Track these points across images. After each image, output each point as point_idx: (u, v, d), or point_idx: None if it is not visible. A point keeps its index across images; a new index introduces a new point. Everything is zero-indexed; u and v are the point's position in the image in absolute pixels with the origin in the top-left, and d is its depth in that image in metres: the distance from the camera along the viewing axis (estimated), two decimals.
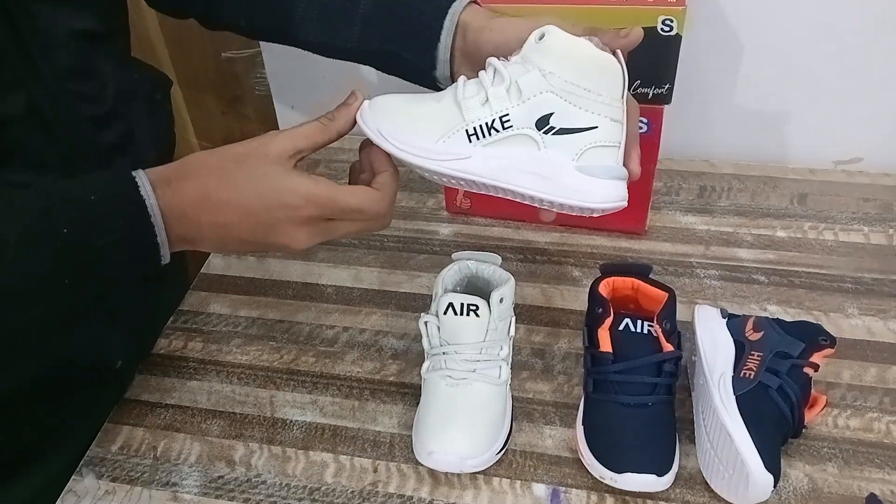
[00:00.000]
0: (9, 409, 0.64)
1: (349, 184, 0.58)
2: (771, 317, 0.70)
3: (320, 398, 0.74)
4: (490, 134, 0.53)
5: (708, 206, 0.93)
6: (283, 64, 1.06)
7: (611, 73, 0.52)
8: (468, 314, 0.67)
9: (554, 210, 0.56)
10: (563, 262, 0.87)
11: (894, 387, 0.71)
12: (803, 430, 0.65)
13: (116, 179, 0.50)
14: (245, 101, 1.16)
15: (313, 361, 0.77)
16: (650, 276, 0.72)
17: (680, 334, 0.68)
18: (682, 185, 0.96)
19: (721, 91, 0.96)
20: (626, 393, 0.65)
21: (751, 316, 0.70)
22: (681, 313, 0.70)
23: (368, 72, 1.02)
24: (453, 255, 0.73)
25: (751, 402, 0.62)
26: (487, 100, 0.53)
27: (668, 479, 0.62)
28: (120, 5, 0.66)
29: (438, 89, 0.61)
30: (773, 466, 0.59)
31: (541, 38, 0.53)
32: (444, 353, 0.67)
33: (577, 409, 0.69)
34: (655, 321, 0.67)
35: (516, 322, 0.73)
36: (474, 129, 0.53)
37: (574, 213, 0.55)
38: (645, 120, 0.79)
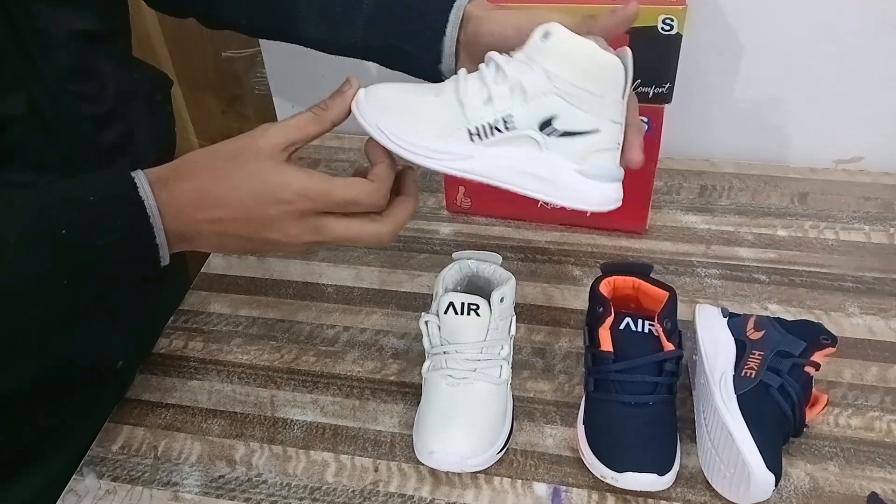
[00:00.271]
0: (9, 409, 0.64)
1: None
2: (772, 316, 0.70)
3: (321, 398, 0.74)
4: (493, 134, 0.53)
5: (709, 206, 0.93)
6: (283, 63, 1.06)
7: (614, 73, 0.52)
8: (469, 313, 0.67)
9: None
10: (563, 262, 0.87)
11: (895, 386, 0.71)
12: (804, 430, 0.65)
13: (116, 180, 0.50)
14: (245, 100, 1.16)
15: (314, 361, 0.77)
16: (651, 275, 0.72)
17: (681, 333, 0.68)
18: (683, 185, 0.96)
19: (722, 90, 0.96)
20: (627, 392, 0.65)
21: (752, 315, 0.70)
22: (682, 312, 0.70)
23: (369, 68, 1.03)
24: (454, 255, 0.73)
25: (752, 401, 0.62)
26: (490, 99, 0.52)
27: (670, 478, 0.62)
28: (120, 5, 0.66)
29: (435, 79, 0.61)
30: (774, 465, 0.59)
31: (545, 36, 0.52)
32: (444, 353, 0.67)
33: (578, 408, 0.69)
34: (656, 320, 0.67)
35: (517, 321, 0.73)
36: (476, 128, 0.53)
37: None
38: (645, 119, 0.79)
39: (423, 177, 0.99)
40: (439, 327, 0.68)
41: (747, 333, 0.67)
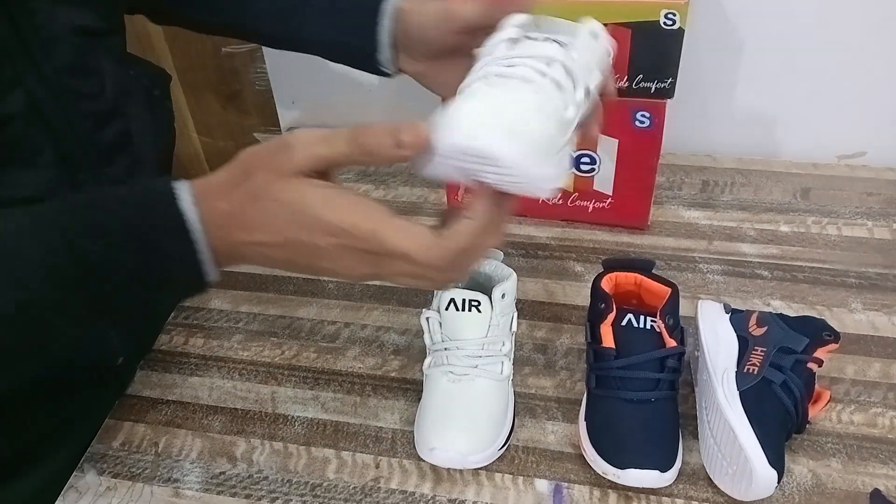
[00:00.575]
0: (10, 407, 0.63)
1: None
2: (774, 312, 0.69)
3: (322, 394, 0.73)
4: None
5: (711, 201, 0.93)
6: (282, 59, 1.05)
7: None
8: (470, 310, 0.67)
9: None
10: (565, 258, 0.86)
11: None
12: (807, 426, 0.65)
13: (152, 191, 0.45)
14: (245, 96, 1.16)
15: (315, 357, 0.77)
16: (653, 271, 0.71)
17: (683, 330, 0.68)
18: (685, 180, 0.96)
19: (724, 85, 0.96)
20: (628, 389, 0.64)
21: (754, 311, 0.70)
22: (684, 308, 0.69)
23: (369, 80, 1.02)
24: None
25: (754, 397, 0.62)
26: (572, 108, 0.46)
27: (671, 474, 0.62)
28: (118, 1, 0.65)
29: (384, 74, 0.62)
30: (776, 462, 0.59)
31: (595, 37, 0.49)
32: (445, 349, 0.67)
33: (580, 404, 0.69)
34: (658, 316, 0.66)
35: (518, 317, 0.72)
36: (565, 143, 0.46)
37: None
38: (647, 114, 0.79)
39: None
40: (440, 324, 0.68)
41: (749, 330, 0.67)
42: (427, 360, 0.69)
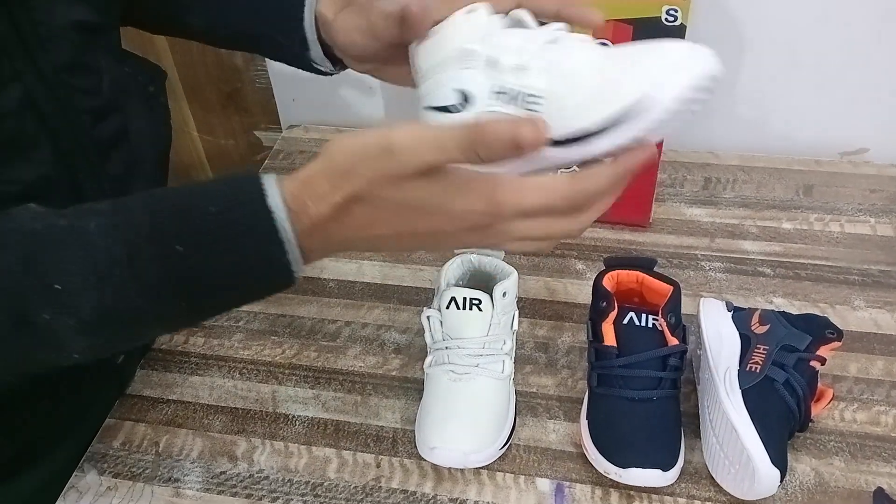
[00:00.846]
0: (10, 407, 0.63)
1: None
2: (777, 309, 0.69)
3: (322, 393, 0.73)
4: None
5: (713, 198, 0.92)
6: None
7: None
8: (471, 308, 0.66)
9: None
10: (566, 256, 0.86)
11: None
12: (810, 424, 0.65)
13: (241, 188, 0.43)
14: (245, 93, 1.15)
15: (315, 356, 0.77)
16: (654, 269, 0.71)
17: (685, 328, 0.68)
18: (687, 177, 0.96)
19: (726, 82, 0.95)
20: (630, 387, 0.64)
21: (756, 309, 0.69)
22: (686, 306, 0.69)
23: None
24: (455, 249, 0.72)
25: (757, 396, 0.62)
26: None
27: (674, 473, 0.62)
28: None
29: (319, 72, 0.61)
30: (779, 461, 0.59)
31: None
32: (446, 348, 0.67)
33: (582, 403, 0.69)
34: (660, 315, 0.66)
35: (519, 316, 0.72)
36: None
37: None
38: None
39: None
40: (441, 322, 0.68)
41: (752, 328, 0.67)
42: (428, 359, 0.69)
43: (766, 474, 0.58)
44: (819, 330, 0.65)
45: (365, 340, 0.78)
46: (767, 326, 0.66)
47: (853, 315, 0.77)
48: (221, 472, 0.67)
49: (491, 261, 0.71)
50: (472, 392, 0.66)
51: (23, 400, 0.64)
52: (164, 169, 0.72)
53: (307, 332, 0.80)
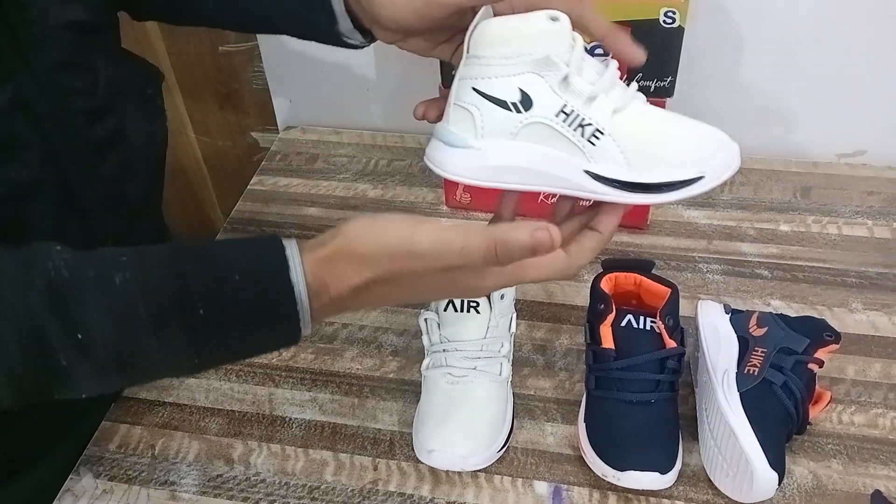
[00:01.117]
0: (6, 411, 0.63)
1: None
2: (774, 312, 0.69)
3: (319, 395, 0.73)
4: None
5: (710, 200, 0.92)
6: (280, 58, 1.05)
7: None
8: (468, 311, 0.66)
9: None
10: None
11: None
12: (808, 427, 0.65)
13: (265, 255, 0.45)
14: (242, 95, 1.15)
15: (312, 358, 0.77)
16: (652, 271, 0.71)
17: (683, 330, 0.68)
18: None
19: (723, 83, 0.95)
20: (628, 390, 0.64)
21: (754, 311, 0.69)
22: (683, 309, 0.69)
23: (362, 66, 1.02)
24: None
25: (755, 398, 0.62)
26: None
27: (671, 476, 0.62)
28: None
29: (347, 45, 0.59)
30: (777, 464, 0.59)
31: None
32: (444, 350, 0.67)
33: (579, 406, 0.69)
34: (658, 317, 0.66)
35: (517, 318, 0.72)
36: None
37: None
38: None
39: (421, 171, 0.98)
40: (439, 324, 0.68)
41: (750, 330, 0.67)
42: (425, 362, 0.68)
43: (764, 477, 0.58)
44: (817, 332, 0.65)
45: (362, 343, 0.78)
46: (765, 329, 0.66)
47: (851, 317, 0.77)
48: (218, 475, 0.67)
49: None
50: (469, 395, 0.66)
51: None
52: (159, 171, 0.72)
53: None
